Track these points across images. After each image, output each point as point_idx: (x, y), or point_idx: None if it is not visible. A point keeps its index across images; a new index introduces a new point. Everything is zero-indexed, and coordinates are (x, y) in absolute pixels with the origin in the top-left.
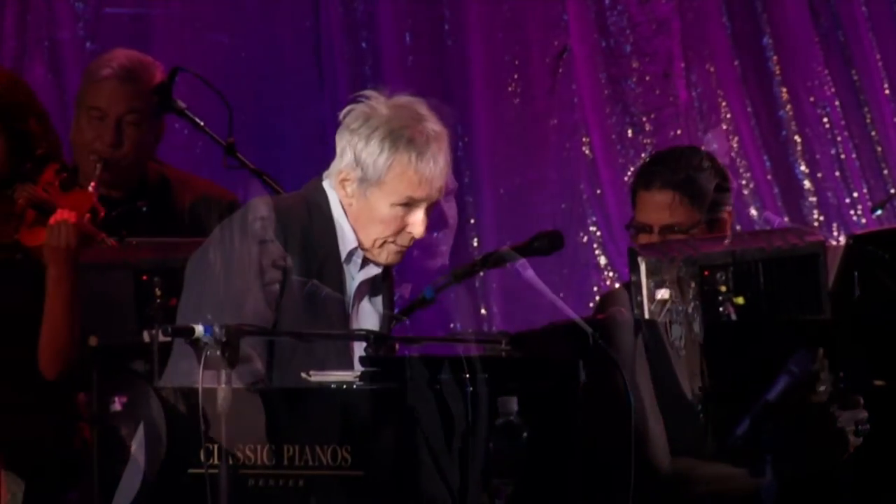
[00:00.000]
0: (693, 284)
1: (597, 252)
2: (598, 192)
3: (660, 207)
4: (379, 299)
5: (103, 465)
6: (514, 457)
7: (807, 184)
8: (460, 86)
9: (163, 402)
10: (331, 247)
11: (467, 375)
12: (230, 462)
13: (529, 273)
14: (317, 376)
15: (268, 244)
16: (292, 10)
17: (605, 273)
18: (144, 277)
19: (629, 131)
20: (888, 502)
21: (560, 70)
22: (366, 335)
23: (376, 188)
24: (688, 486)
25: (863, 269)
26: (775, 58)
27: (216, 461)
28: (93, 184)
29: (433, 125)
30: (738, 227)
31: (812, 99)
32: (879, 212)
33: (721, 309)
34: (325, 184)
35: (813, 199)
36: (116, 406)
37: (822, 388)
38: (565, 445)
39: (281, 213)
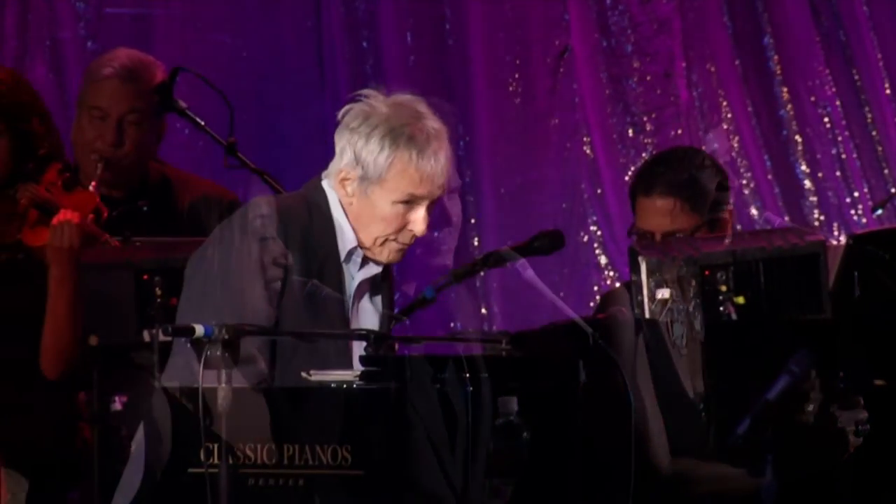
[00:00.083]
0: (693, 284)
1: (597, 251)
2: (599, 191)
3: (661, 214)
4: (379, 299)
5: (104, 465)
6: (514, 457)
7: (807, 183)
8: (461, 85)
9: (163, 402)
10: (330, 246)
11: (467, 375)
12: (230, 461)
13: (529, 273)
14: (317, 376)
15: (268, 242)
16: (293, 9)
17: (606, 272)
18: (145, 277)
19: (630, 131)
20: (888, 502)
21: (561, 70)
22: (366, 335)
23: (377, 186)
24: (688, 486)
25: (863, 269)
26: (776, 57)
27: (216, 460)
28: (93, 183)
29: (433, 122)
30: (738, 227)
31: (813, 98)
32: (880, 211)
33: (721, 308)
34: (325, 183)
35: (813, 198)
36: (117, 405)
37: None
38: (565, 445)
39: (281, 212)
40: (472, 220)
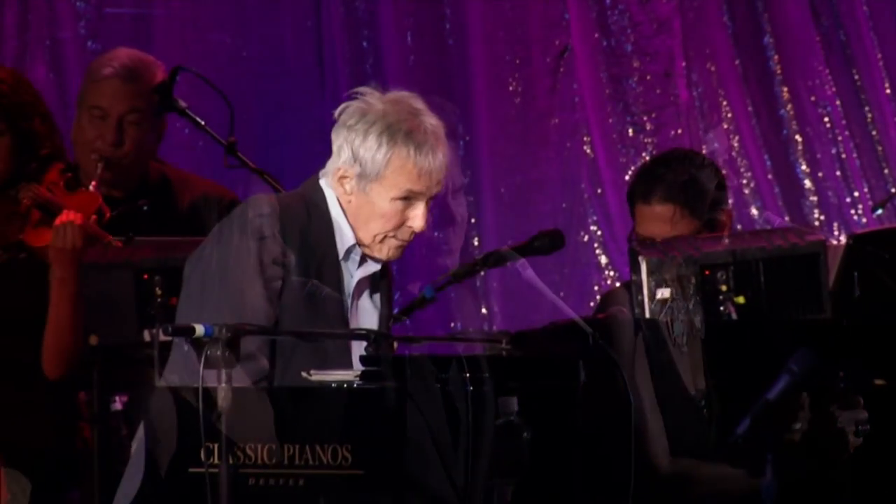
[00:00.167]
0: (694, 283)
1: (597, 251)
2: (599, 191)
3: (661, 221)
4: (377, 296)
5: (104, 465)
6: (515, 457)
7: (807, 183)
8: (461, 85)
9: (163, 401)
10: (329, 245)
11: (468, 375)
12: (230, 461)
13: (529, 273)
14: (317, 375)
15: (268, 241)
16: (293, 9)
17: (606, 272)
18: (145, 276)
19: (630, 130)
20: (888, 502)
21: (561, 69)
22: (366, 334)
23: (376, 183)
24: (688, 486)
25: (863, 269)
26: (776, 57)
27: (216, 460)
28: (93, 183)
29: (430, 119)
30: (738, 227)
31: (813, 98)
32: (880, 211)
33: (722, 308)
34: (322, 182)
35: (814, 198)
36: (116, 405)
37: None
38: (565, 445)
39: (279, 210)
40: (472, 220)
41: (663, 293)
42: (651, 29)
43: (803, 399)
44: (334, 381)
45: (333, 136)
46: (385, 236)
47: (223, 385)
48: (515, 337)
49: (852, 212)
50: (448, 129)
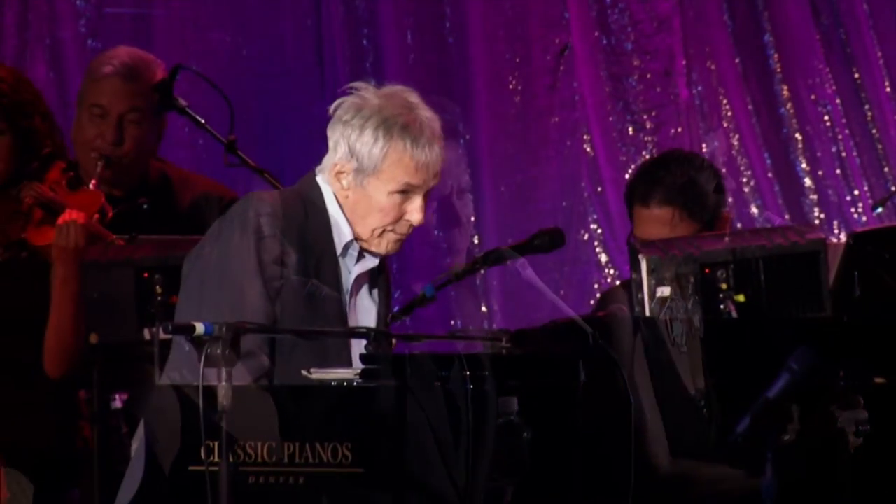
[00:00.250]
0: (694, 282)
1: (598, 249)
2: (599, 189)
3: (660, 224)
4: (376, 292)
5: (104, 463)
6: (514, 456)
7: (807, 181)
8: (461, 83)
9: (163, 400)
10: (326, 241)
11: (467, 373)
12: (231, 459)
13: (529, 272)
14: (317, 374)
15: (267, 239)
16: (294, 7)
17: (606, 270)
18: (145, 275)
19: (630, 129)
20: (888, 502)
21: (561, 68)
22: (366, 333)
23: (373, 177)
24: (688, 486)
25: (863, 267)
26: (776, 56)
27: (217, 458)
28: (93, 182)
29: (425, 112)
30: (738, 225)
31: (813, 97)
32: (880, 209)
33: (722, 306)
34: (319, 178)
35: (814, 196)
36: (116, 404)
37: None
38: (565, 444)
39: (277, 208)
40: (473, 218)
41: (663, 291)
42: (651, 27)
43: (803, 398)
44: (334, 380)
45: (329, 132)
46: (383, 230)
47: (223, 383)
48: (515, 335)
49: (852, 210)
50: (449, 127)
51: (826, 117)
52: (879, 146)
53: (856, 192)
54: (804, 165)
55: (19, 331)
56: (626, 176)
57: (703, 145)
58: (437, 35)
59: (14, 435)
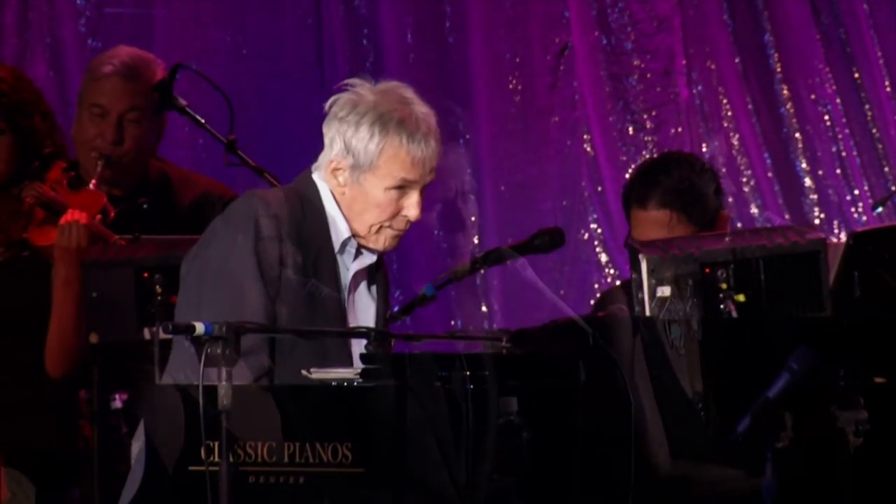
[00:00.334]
0: (694, 282)
1: (598, 249)
2: (599, 189)
3: (658, 226)
4: (374, 288)
5: (104, 463)
6: (514, 456)
7: (807, 181)
8: (462, 83)
9: (163, 399)
10: (324, 238)
11: (468, 373)
12: (231, 459)
13: (529, 272)
14: (317, 373)
15: (265, 238)
16: (294, 7)
17: (606, 270)
18: (146, 275)
19: (630, 128)
20: (888, 502)
21: (561, 67)
22: (366, 332)
23: (369, 173)
24: (688, 486)
25: (863, 267)
26: (776, 55)
27: (217, 458)
28: (93, 181)
29: (421, 107)
30: (738, 225)
31: (813, 96)
32: (880, 209)
33: (722, 306)
34: (315, 176)
35: (814, 196)
36: (117, 403)
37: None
38: (565, 444)
39: (274, 206)
40: (473, 218)
41: (663, 291)
42: (651, 27)
43: (803, 398)
44: (334, 380)
45: (325, 129)
46: (381, 226)
47: (224, 383)
48: (515, 335)
49: (852, 210)
50: (452, 130)
51: (826, 117)
52: (879, 146)
53: (856, 192)
54: (804, 165)
55: (20, 330)
56: (627, 175)
57: (704, 145)
58: (437, 34)
59: (14, 434)
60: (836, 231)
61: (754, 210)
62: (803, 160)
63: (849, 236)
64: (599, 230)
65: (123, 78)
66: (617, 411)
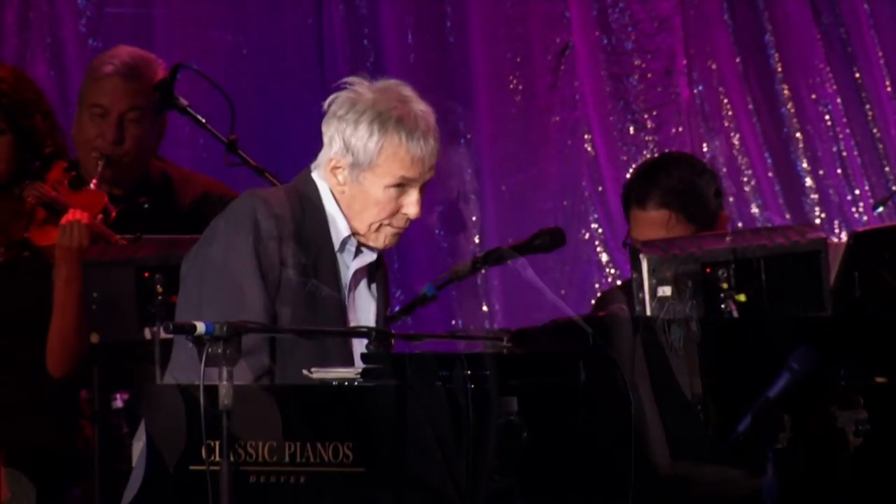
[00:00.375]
0: (695, 281)
1: (598, 249)
2: (600, 188)
3: (656, 226)
4: (374, 286)
5: (105, 462)
6: (514, 456)
7: (808, 181)
8: (462, 83)
9: (164, 399)
10: (324, 237)
11: (468, 373)
12: (232, 459)
13: (529, 273)
14: (318, 373)
15: (264, 238)
16: (294, 7)
17: (607, 270)
18: (146, 274)
19: (631, 128)
20: (888, 502)
21: (562, 67)
22: (367, 332)
23: (369, 172)
24: (688, 487)
25: (864, 267)
26: (777, 55)
27: (218, 458)
28: (94, 181)
29: (419, 105)
30: (739, 225)
31: (814, 96)
32: (881, 209)
33: (723, 306)
34: (315, 175)
35: (814, 196)
36: (117, 403)
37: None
38: (566, 443)
39: (273, 205)
40: (474, 218)
41: (664, 291)
42: (652, 27)
43: (804, 398)
44: (335, 379)
45: (324, 128)
46: (380, 224)
47: (224, 382)
48: (516, 335)
49: (853, 209)
50: (453, 130)
51: (827, 117)
52: (880, 145)
53: (856, 192)
54: (805, 165)
55: (21, 330)
56: (627, 175)
57: (704, 145)
58: (437, 34)
59: (15, 434)
60: (836, 231)
61: (755, 210)
62: (804, 160)
63: (849, 236)
64: (600, 230)
65: (124, 78)
66: (617, 411)
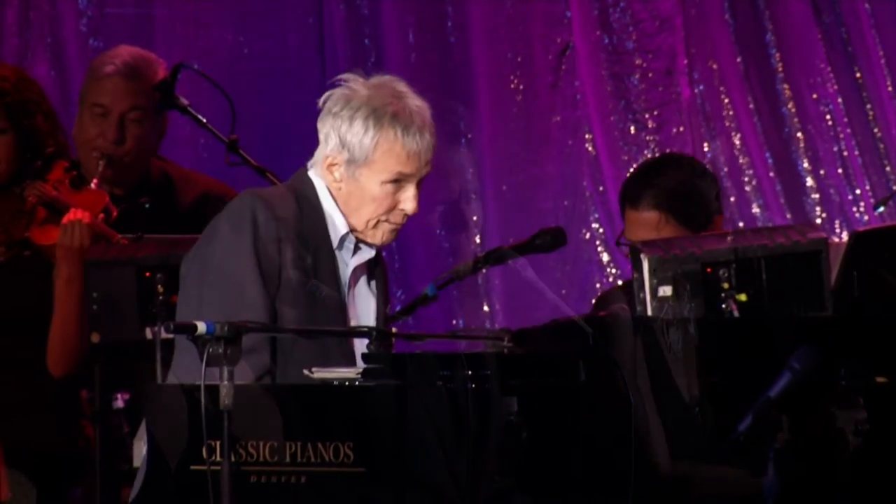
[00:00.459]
0: (696, 281)
1: (599, 249)
2: (601, 188)
3: (648, 227)
4: (374, 283)
5: (105, 462)
6: (514, 456)
7: (809, 181)
8: (463, 83)
9: (165, 399)
10: (322, 235)
11: (469, 372)
12: (232, 459)
13: (530, 273)
14: (319, 373)
15: (263, 237)
16: (295, 6)
17: (608, 270)
18: (147, 274)
19: (632, 128)
20: (888, 502)
21: (563, 67)
22: (368, 332)
23: (365, 168)
24: (689, 486)
25: (865, 267)
26: (778, 55)
27: (218, 458)
28: (94, 180)
29: (414, 100)
30: (740, 225)
31: (815, 96)
32: (882, 209)
33: (723, 306)
34: (311, 173)
35: (815, 195)
36: (118, 403)
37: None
38: (566, 443)
39: (271, 205)
40: (475, 218)
41: (665, 291)
42: (653, 26)
43: (805, 398)
44: (336, 379)
45: (319, 125)
46: (378, 221)
47: (225, 382)
48: (517, 335)
49: (854, 209)
50: (451, 128)
51: (828, 116)
52: (881, 145)
53: (857, 192)
54: (806, 164)
55: (22, 330)
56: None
57: (705, 145)
58: (438, 34)
59: (16, 434)
60: (837, 230)
61: (756, 210)
62: (805, 159)
63: (850, 236)
64: (601, 230)
65: (125, 77)
66: (617, 411)
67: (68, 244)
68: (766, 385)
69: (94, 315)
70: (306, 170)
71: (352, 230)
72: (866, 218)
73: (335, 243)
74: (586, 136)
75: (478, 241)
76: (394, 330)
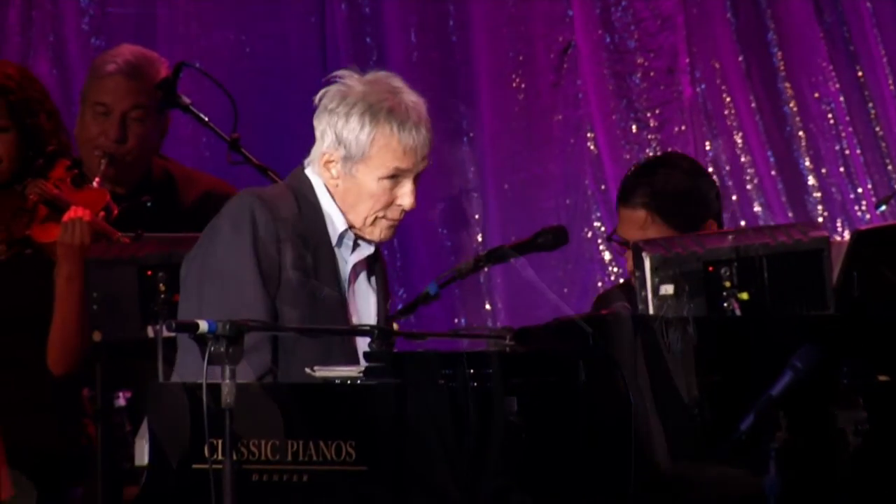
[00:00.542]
0: (697, 280)
1: (601, 247)
2: (603, 187)
3: (634, 224)
4: (374, 279)
5: (107, 461)
6: (514, 456)
7: (811, 179)
8: (465, 82)
9: (167, 398)
10: (321, 233)
11: (471, 371)
12: (234, 457)
13: (531, 272)
14: (321, 371)
15: (262, 237)
16: (297, 6)
17: (609, 268)
18: (149, 273)
19: (634, 127)
20: (888, 502)
21: (565, 66)
22: (369, 330)
23: (362, 164)
24: (689, 486)
25: (867, 265)
26: (780, 53)
27: (220, 456)
28: (96, 179)
29: (410, 96)
30: (742, 223)
31: (816, 95)
32: (884, 207)
33: (725, 304)
34: (308, 171)
35: (817, 194)
36: (120, 402)
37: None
38: (567, 442)
39: (270, 204)
40: (476, 216)
41: (666, 290)
42: (655, 25)
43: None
44: (338, 378)
45: (315, 122)
46: (376, 217)
47: (227, 381)
48: (519, 333)
49: (856, 208)
50: (453, 126)
51: (829, 115)
52: (883, 144)
53: (859, 190)
54: (807, 163)
55: (22, 328)
56: None
57: (707, 143)
58: (440, 33)
59: (17, 433)
60: (839, 229)
61: (757, 208)
62: (807, 158)
63: (852, 234)
64: (603, 228)
65: (127, 76)
66: (617, 411)
67: (69, 242)
68: (768, 384)
69: (96, 314)
70: (303, 168)
71: (350, 227)
72: (868, 217)
73: (334, 241)
74: (588, 134)
75: (479, 239)
76: (396, 327)
